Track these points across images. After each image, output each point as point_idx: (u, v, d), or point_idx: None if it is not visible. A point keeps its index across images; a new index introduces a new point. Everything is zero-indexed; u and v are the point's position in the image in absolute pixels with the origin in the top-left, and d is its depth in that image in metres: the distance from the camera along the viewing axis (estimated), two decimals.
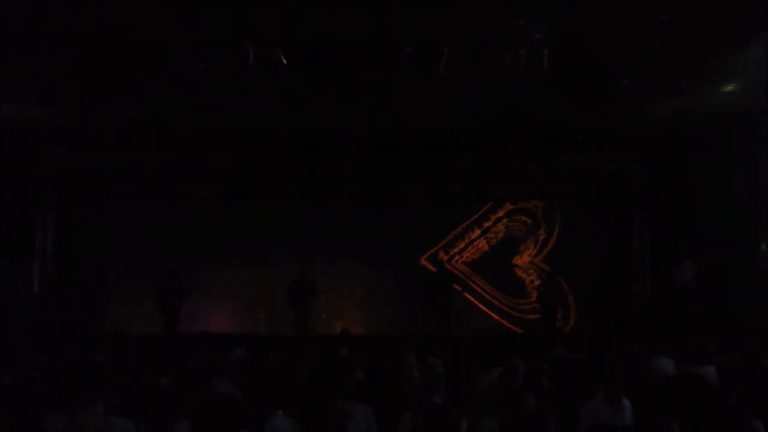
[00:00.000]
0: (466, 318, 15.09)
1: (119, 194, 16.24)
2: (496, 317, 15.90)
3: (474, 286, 16.12)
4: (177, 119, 13.69)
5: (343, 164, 15.45)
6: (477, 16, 9.96)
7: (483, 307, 15.97)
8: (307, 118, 13.81)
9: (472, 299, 16.01)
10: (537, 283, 15.86)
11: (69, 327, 14.18)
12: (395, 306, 15.95)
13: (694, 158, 14.52)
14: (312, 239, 15.99)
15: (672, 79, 11.42)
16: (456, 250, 16.37)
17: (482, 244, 16.40)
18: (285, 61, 10.64)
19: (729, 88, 11.82)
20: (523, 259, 16.27)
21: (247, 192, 16.24)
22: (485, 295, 16.07)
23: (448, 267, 15.82)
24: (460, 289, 15.67)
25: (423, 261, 16.25)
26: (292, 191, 16.19)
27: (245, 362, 8.77)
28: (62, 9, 9.66)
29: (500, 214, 16.53)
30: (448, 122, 14.12)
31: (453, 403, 6.04)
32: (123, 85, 11.77)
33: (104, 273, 15.90)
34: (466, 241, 16.38)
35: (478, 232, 16.43)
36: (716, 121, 13.47)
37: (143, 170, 15.49)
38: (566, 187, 16.11)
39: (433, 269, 15.40)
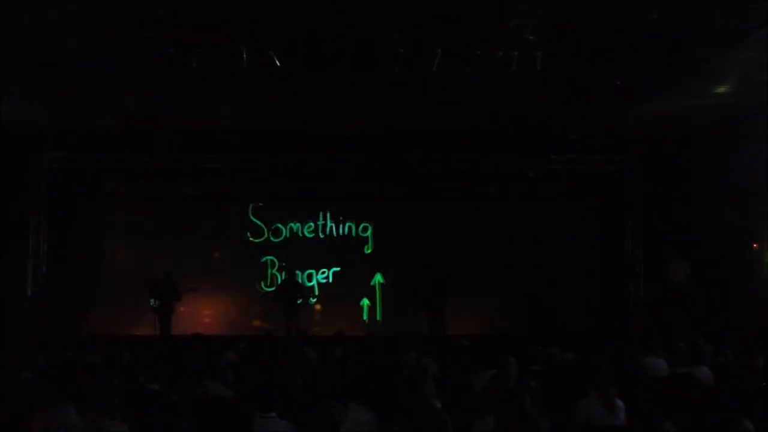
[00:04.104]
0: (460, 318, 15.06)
1: (113, 195, 16.23)
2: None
3: None
4: (170, 120, 13.69)
5: (337, 165, 15.47)
6: (470, 16, 9.96)
7: None
8: (302, 119, 13.82)
9: None
10: None
11: (62, 328, 14.14)
12: (389, 307, 16.01)
13: (688, 158, 14.55)
14: (309, 239, 16.07)
15: (665, 79, 11.43)
16: None
17: None
18: (278, 63, 10.63)
19: (722, 88, 11.84)
20: None
21: (242, 192, 16.26)
22: None
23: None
24: None
25: None
26: (288, 191, 16.27)
27: (239, 364, 8.76)
28: (58, 10, 9.64)
29: None
30: (441, 122, 14.15)
31: (447, 405, 6.03)
32: (117, 87, 11.74)
33: (98, 274, 15.86)
34: None
35: None
36: (709, 120, 13.50)
37: (137, 171, 15.50)
38: (560, 187, 16.13)
39: None
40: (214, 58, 10.73)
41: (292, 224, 16.95)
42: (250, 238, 16.71)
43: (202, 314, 15.80)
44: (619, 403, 6.05)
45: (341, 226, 17.05)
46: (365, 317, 16.54)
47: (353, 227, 17.05)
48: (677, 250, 14.19)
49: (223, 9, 10.00)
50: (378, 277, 16.70)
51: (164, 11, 9.96)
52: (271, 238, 16.83)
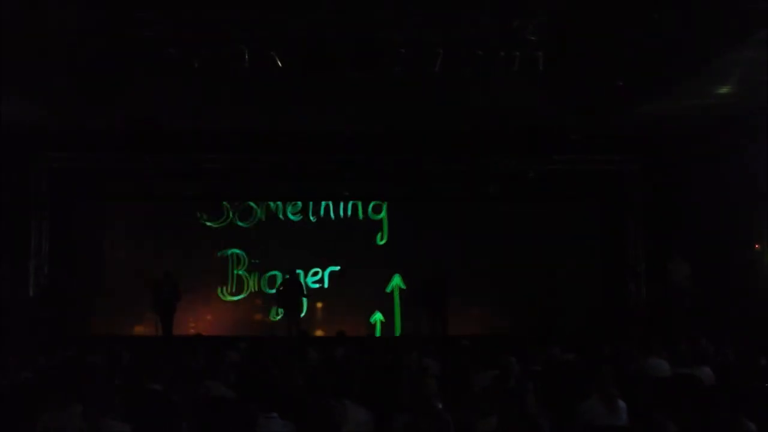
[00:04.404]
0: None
1: (114, 195, 16.22)
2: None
3: None
4: (171, 120, 13.69)
5: (338, 165, 15.44)
6: (472, 16, 9.95)
7: None
8: (302, 119, 13.80)
9: None
10: None
11: (64, 328, 14.15)
12: (391, 307, 15.95)
13: (689, 158, 14.54)
14: (309, 239, 15.99)
15: (666, 80, 11.43)
16: None
17: None
18: (280, 63, 10.61)
19: (723, 88, 11.84)
20: None
21: (243, 192, 16.20)
22: None
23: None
24: None
25: None
26: (289, 191, 16.16)
27: (240, 364, 8.76)
28: (58, 9, 9.63)
29: None
30: (443, 122, 14.14)
31: (448, 405, 6.03)
32: (117, 87, 11.72)
33: (99, 274, 15.86)
34: None
35: None
36: (711, 121, 13.49)
37: (138, 171, 15.49)
38: (561, 187, 16.11)
39: None
40: (216, 58, 10.71)
41: (270, 203, 15.22)
42: (206, 222, 15.21)
43: (204, 314, 15.78)
44: (621, 403, 6.05)
45: (342, 205, 15.44)
46: (378, 333, 15.21)
47: (360, 207, 15.39)
48: (678, 250, 14.18)
49: (224, 9, 9.99)
50: (396, 280, 15.47)
51: (165, 11, 9.95)
52: (238, 222, 15.46)
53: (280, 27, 10.25)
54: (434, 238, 15.81)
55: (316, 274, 15.38)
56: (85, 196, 15.88)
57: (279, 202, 15.26)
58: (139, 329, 15.02)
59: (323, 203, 15.65)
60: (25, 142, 14.42)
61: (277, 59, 10.60)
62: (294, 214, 15.23)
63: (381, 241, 15.24)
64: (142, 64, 10.88)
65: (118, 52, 10.62)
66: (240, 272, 15.38)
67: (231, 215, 15.23)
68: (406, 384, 7.08)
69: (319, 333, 15.20)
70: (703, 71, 10.95)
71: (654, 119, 13.44)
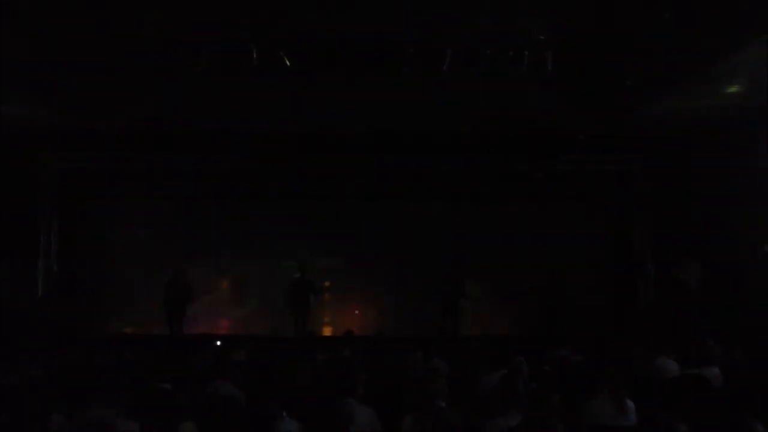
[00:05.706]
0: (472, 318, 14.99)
1: (122, 195, 16.24)
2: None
3: None
4: (178, 120, 13.71)
5: (345, 164, 15.45)
6: (480, 16, 9.95)
7: None
8: (309, 119, 13.81)
9: None
10: None
11: (73, 328, 14.18)
12: (399, 306, 15.92)
13: (695, 158, 14.49)
14: (315, 239, 15.98)
15: (672, 80, 11.41)
16: None
17: None
18: (288, 63, 10.63)
19: (729, 88, 11.80)
20: None
21: (250, 192, 16.21)
22: None
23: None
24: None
25: None
26: (295, 191, 16.15)
27: (248, 364, 8.78)
28: (62, 9, 9.66)
29: None
30: (450, 123, 14.12)
31: (457, 406, 6.03)
32: (124, 87, 11.76)
33: (108, 274, 15.90)
34: None
35: None
36: (717, 121, 13.45)
37: (146, 171, 15.52)
38: (567, 187, 16.06)
39: None
40: (224, 58, 10.74)
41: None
42: None
43: (212, 314, 15.80)
44: (630, 403, 6.04)
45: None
46: None
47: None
48: (687, 250, 14.13)
49: (231, 9, 10.01)
50: None
51: (172, 10, 9.98)
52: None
53: (288, 27, 10.27)
54: (442, 238, 15.77)
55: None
56: (93, 196, 15.91)
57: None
58: (147, 328, 15.04)
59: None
60: (33, 143, 14.49)
61: (285, 59, 10.61)
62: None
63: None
64: (148, 64, 10.91)
65: (124, 52, 10.66)
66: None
67: None
68: (415, 384, 7.10)
69: (328, 333, 15.22)
70: (711, 71, 10.93)
71: (662, 119, 13.41)
